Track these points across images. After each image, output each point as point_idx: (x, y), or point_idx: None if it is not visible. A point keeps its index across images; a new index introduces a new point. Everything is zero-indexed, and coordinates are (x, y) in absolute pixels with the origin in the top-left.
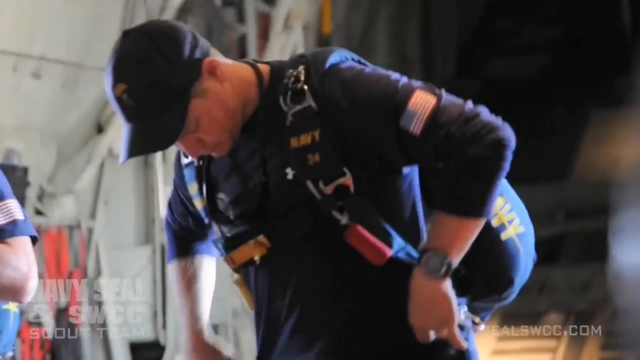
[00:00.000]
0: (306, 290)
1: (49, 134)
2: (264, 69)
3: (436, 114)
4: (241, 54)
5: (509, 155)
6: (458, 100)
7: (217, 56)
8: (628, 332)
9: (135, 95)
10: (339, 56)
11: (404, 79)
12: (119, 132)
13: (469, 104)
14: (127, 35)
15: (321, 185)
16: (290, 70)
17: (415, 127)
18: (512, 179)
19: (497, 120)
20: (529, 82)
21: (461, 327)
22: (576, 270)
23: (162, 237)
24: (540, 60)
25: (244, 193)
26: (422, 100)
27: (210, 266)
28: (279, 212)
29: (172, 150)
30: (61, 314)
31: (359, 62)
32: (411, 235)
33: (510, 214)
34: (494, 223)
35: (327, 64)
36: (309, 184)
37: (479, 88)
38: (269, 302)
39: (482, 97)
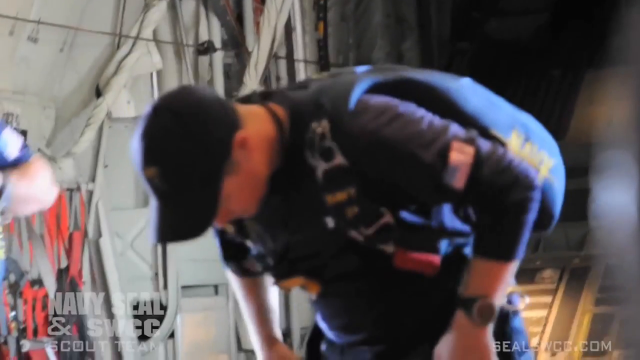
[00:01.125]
0: (367, 314)
1: (47, 97)
2: (282, 114)
3: (476, 166)
4: (238, 17)
5: (537, 197)
6: (490, 147)
7: (239, 108)
8: (619, 287)
9: (167, 179)
10: (360, 90)
11: (436, 124)
12: (117, 95)
13: (499, 151)
14: (156, 112)
15: (363, 229)
16: (314, 125)
17: (458, 181)
18: None
19: (523, 166)
20: (525, 44)
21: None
22: (571, 228)
23: None
24: (536, 21)
25: (273, 248)
26: (461, 154)
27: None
28: (323, 256)
29: None
30: (62, 275)
31: (378, 70)
32: (450, 223)
33: (539, 154)
34: None
35: (351, 115)
36: (352, 232)
37: (475, 49)
38: (330, 319)
39: (478, 59)
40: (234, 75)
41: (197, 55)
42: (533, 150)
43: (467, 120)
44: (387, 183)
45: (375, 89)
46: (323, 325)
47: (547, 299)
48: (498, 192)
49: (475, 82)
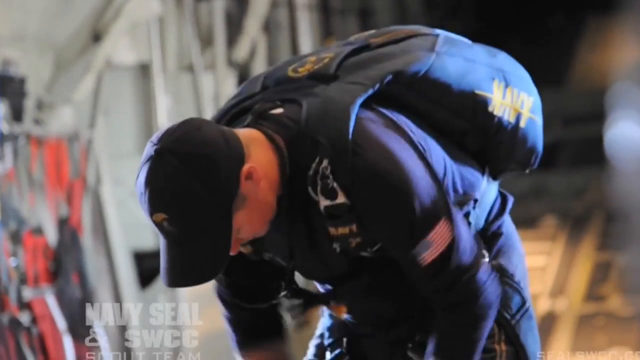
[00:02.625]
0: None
1: (46, 43)
2: (281, 143)
3: (447, 253)
4: None
5: (493, 315)
6: (470, 249)
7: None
8: (621, 233)
9: (176, 224)
10: (355, 116)
11: (433, 195)
12: (117, 41)
13: (476, 256)
14: (160, 156)
15: (369, 249)
16: (315, 165)
17: (425, 257)
18: None
19: (491, 284)
20: None
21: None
22: (572, 175)
23: None
24: None
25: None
26: (442, 234)
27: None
28: (335, 277)
29: (171, 55)
30: (63, 223)
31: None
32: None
33: (519, 97)
34: (511, 119)
35: (351, 155)
36: (360, 253)
37: None
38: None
39: (481, 5)
40: (235, 22)
41: (197, 2)
42: (514, 95)
43: (453, 91)
44: (368, 218)
45: (367, 101)
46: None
47: (549, 245)
48: (461, 300)
49: (448, 35)
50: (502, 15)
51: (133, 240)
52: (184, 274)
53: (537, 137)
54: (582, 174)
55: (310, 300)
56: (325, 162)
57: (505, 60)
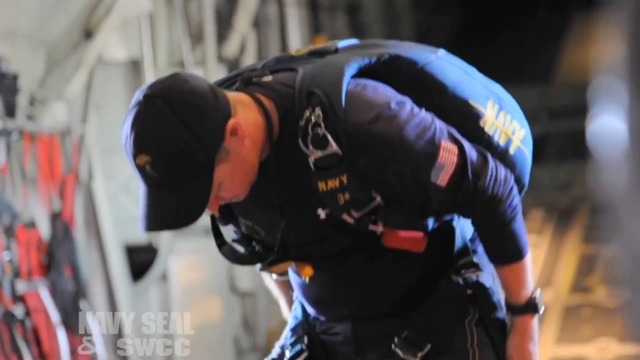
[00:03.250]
0: (359, 286)
1: (38, 40)
2: (269, 106)
3: (461, 167)
4: None
5: (519, 197)
6: (475, 151)
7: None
8: (606, 226)
9: (159, 167)
10: (349, 77)
11: (425, 121)
12: (108, 38)
13: (482, 155)
14: (148, 100)
15: (353, 212)
16: (307, 114)
17: (442, 180)
18: (497, 81)
19: (505, 174)
20: None
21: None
22: (559, 169)
23: None
24: None
25: (263, 235)
26: (448, 153)
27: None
28: (314, 240)
29: (162, 51)
30: (56, 218)
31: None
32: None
33: (512, 124)
34: (501, 142)
35: (344, 108)
36: (343, 215)
37: None
38: (316, 296)
39: (468, 1)
40: (224, 18)
41: None
42: (506, 120)
43: (448, 93)
44: (377, 179)
45: (362, 72)
46: (305, 303)
47: (536, 238)
48: (487, 202)
49: (449, 53)
50: (489, 11)
51: (124, 234)
52: (161, 220)
53: (524, 168)
54: (568, 167)
55: (279, 256)
56: (317, 110)
57: (501, 89)
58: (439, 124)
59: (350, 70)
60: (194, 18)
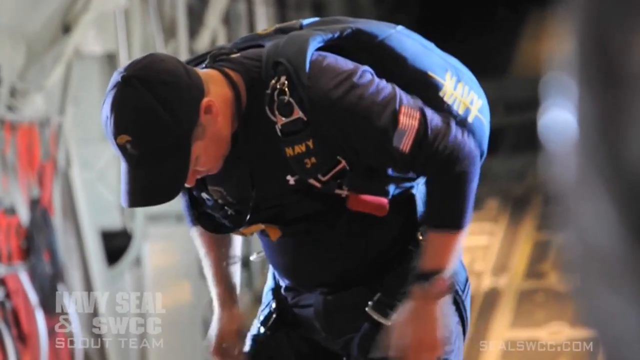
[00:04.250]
0: (325, 250)
1: (19, 34)
2: (237, 79)
3: (422, 131)
4: None
5: (479, 165)
6: (437, 116)
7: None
8: (557, 214)
9: (139, 146)
10: (314, 48)
11: (385, 90)
12: (85, 32)
13: (444, 119)
14: (125, 82)
15: (320, 176)
16: (273, 82)
17: (405, 145)
18: None
19: (466, 138)
20: None
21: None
22: (514, 160)
23: None
24: None
25: (234, 201)
26: (409, 118)
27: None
28: (283, 204)
29: (137, 46)
30: (35, 204)
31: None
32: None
33: (470, 95)
34: (460, 111)
35: (308, 76)
36: (310, 179)
37: None
38: (285, 261)
39: None
40: (196, 15)
41: None
42: (464, 90)
43: (407, 65)
44: (342, 144)
45: (326, 46)
46: (276, 271)
47: (491, 226)
48: (445, 161)
49: (408, 29)
50: (448, 8)
51: (101, 220)
52: (143, 195)
53: (483, 136)
54: (522, 158)
55: (250, 220)
56: (283, 79)
57: (458, 62)
58: (399, 92)
59: (315, 42)
60: (167, 14)
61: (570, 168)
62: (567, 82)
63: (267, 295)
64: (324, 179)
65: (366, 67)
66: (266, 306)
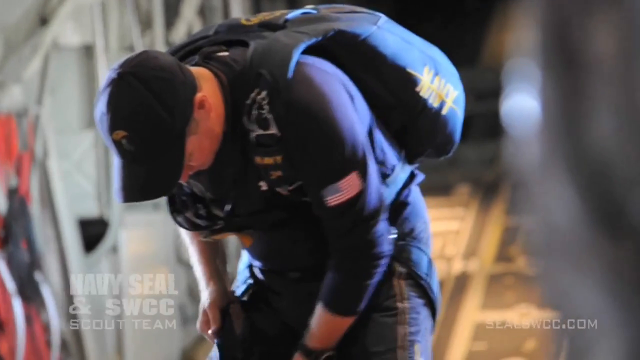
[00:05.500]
0: (293, 250)
1: None
2: (224, 80)
3: (352, 201)
4: None
5: (385, 265)
6: (375, 199)
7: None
8: (524, 199)
9: (135, 142)
10: (297, 57)
11: (355, 143)
12: (62, 24)
13: (378, 202)
14: (121, 78)
15: (285, 187)
16: (254, 95)
17: (331, 200)
18: None
19: (386, 237)
20: None
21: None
22: (484, 146)
23: None
24: None
25: (217, 198)
26: (352, 184)
27: None
28: (254, 210)
29: (113, 37)
30: (13, 193)
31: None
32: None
33: (446, 87)
34: (435, 104)
35: (289, 85)
36: (278, 189)
37: None
38: (259, 259)
39: None
40: (172, 6)
41: None
42: (441, 84)
43: (387, 62)
44: (297, 156)
45: (309, 49)
46: (249, 253)
47: (462, 212)
48: (361, 246)
49: (390, 21)
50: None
51: (77, 209)
52: (139, 191)
53: (456, 126)
54: (492, 145)
55: (226, 226)
56: (263, 94)
57: (438, 53)
58: (364, 149)
59: (298, 50)
60: (144, 6)
61: (533, 152)
62: (530, 68)
63: (243, 273)
64: (289, 189)
65: (353, 92)
66: (243, 283)
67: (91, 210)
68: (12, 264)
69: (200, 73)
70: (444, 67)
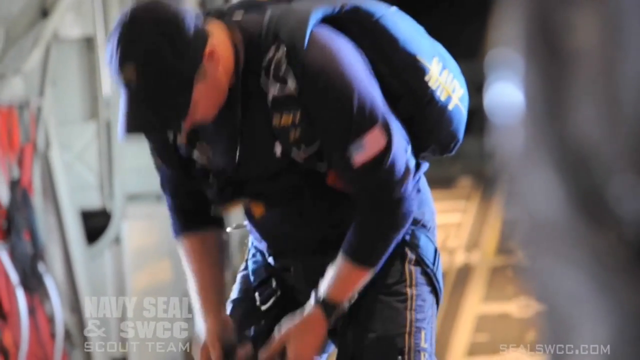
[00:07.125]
0: (306, 222)
1: None
2: (238, 38)
3: (378, 159)
4: None
5: (409, 222)
6: (401, 159)
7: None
8: (505, 186)
9: (143, 82)
10: (314, 22)
11: (375, 102)
12: (63, 16)
13: (404, 160)
14: (133, 19)
15: (302, 151)
16: (271, 54)
17: (357, 158)
18: None
19: (413, 195)
20: None
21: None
22: (486, 139)
23: (106, 113)
24: None
25: (220, 166)
26: (376, 140)
27: (219, 237)
28: (265, 176)
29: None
30: (15, 185)
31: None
32: None
33: (453, 83)
34: (442, 97)
35: (306, 48)
36: (293, 152)
37: None
38: (267, 232)
39: None
40: None
41: None
42: (449, 78)
43: (399, 46)
44: (317, 120)
45: (325, 19)
46: (257, 239)
47: (464, 204)
48: (380, 201)
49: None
50: None
51: (80, 200)
52: (143, 124)
53: (460, 124)
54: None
55: (234, 193)
56: (281, 51)
57: (445, 51)
58: (384, 110)
59: (316, 15)
60: None
61: (517, 141)
62: (514, 57)
63: (258, 272)
64: (305, 154)
65: (365, 60)
66: (261, 281)
67: (94, 201)
68: (15, 256)
69: (214, 25)
70: (451, 63)
